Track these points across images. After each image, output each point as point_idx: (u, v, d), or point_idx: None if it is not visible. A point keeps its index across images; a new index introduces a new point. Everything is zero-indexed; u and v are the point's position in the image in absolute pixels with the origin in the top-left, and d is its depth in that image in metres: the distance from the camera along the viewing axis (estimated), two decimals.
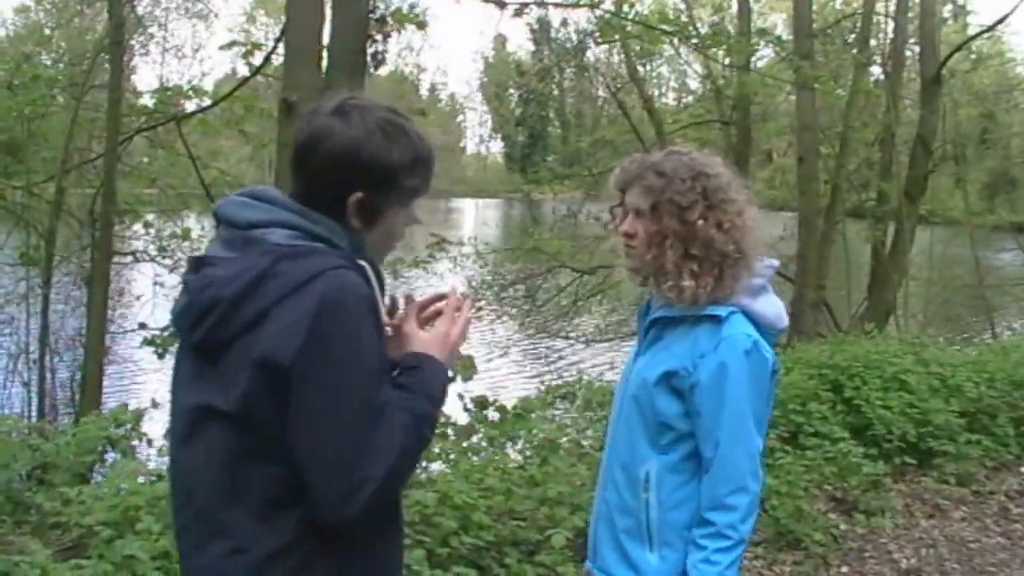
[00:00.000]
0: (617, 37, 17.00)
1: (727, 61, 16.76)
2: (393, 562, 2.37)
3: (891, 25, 19.16)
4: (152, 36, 34.19)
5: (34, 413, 12.44)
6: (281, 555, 2.11)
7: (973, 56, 22.34)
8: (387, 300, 2.41)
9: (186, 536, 2.26)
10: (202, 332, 2.13)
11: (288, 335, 2.02)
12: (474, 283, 18.61)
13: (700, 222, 2.82)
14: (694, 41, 16.59)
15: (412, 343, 2.34)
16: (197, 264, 2.21)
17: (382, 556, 2.30)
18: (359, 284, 2.12)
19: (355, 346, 2.06)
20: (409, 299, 2.48)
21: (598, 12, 13.21)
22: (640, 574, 2.91)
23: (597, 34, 16.85)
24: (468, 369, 10.37)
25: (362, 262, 2.19)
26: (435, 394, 2.23)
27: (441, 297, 2.49)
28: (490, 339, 18.58)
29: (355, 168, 2.18)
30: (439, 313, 2.45)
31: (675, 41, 16.79)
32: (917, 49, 18.04)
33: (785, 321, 3.04)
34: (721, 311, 2.82)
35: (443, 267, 16.58)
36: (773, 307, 2.97)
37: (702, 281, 2.81)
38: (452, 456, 6.66)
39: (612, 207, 3.06)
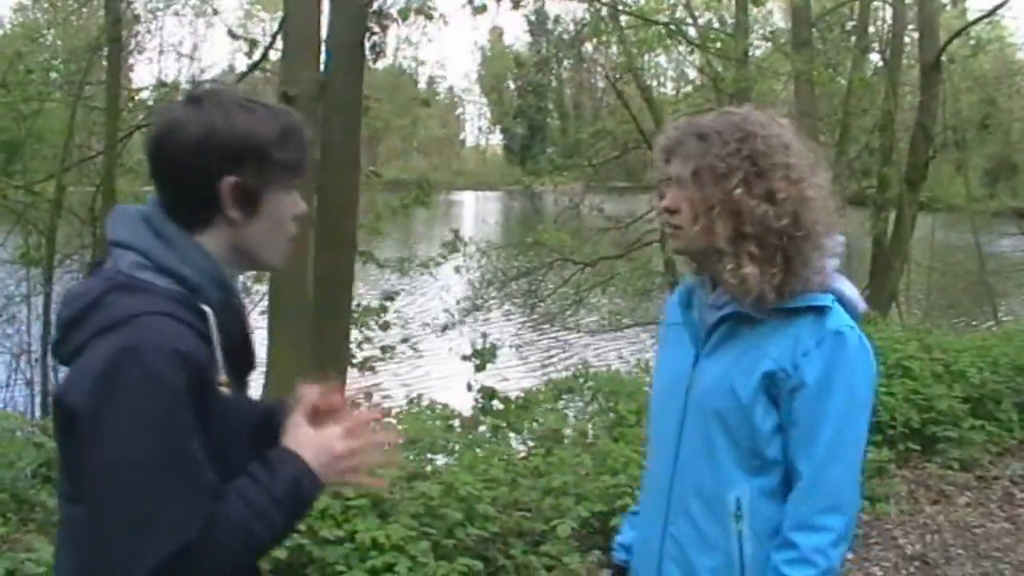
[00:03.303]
0: (609, 37, 17.05)
1: (725, 55, 16.73)
2: None
3: (890, 11, 19.14)
4: (149, 33, 34.16)
5: (37, 411, 12.46)
6: None
7: (973, 41, 22.22)
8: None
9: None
10: (56, 350, 1.96)
11: (81, 378, 1.79)
12: (477, 283, 18.61)
13: (739, 191, 2.38)
14: (693, 41, 16.65)
15: (290, 434, 2.01)
16: (89, 270, 2.04)
17: None
18: (172, 336, 1.81)
19: (143, 406, 1.76)
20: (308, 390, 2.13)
21: (595, 5, 13.23)
22: None
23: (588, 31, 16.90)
24: (489, 356, 10.45)
25: (205, 307, 1.90)
26: (281, 495, 1.89)
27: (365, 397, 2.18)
28: (495, 333, 18.61)
29: (218, 150, 1.90)
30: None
31: (670, 37, 16.81)
32: (916, 35, 17.97)
33: (863, 304, 2.59)
34: (824, 300, 2.40)
35: (447, 268, 16.58)
36: (852, 289, 2.53)
37: (767, 269, 2.36)
38: (457, 448, 6.67)
39: (659, 182, 2.56)
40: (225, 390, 1.90)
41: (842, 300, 2.45)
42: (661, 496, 2.57)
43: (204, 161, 1.90)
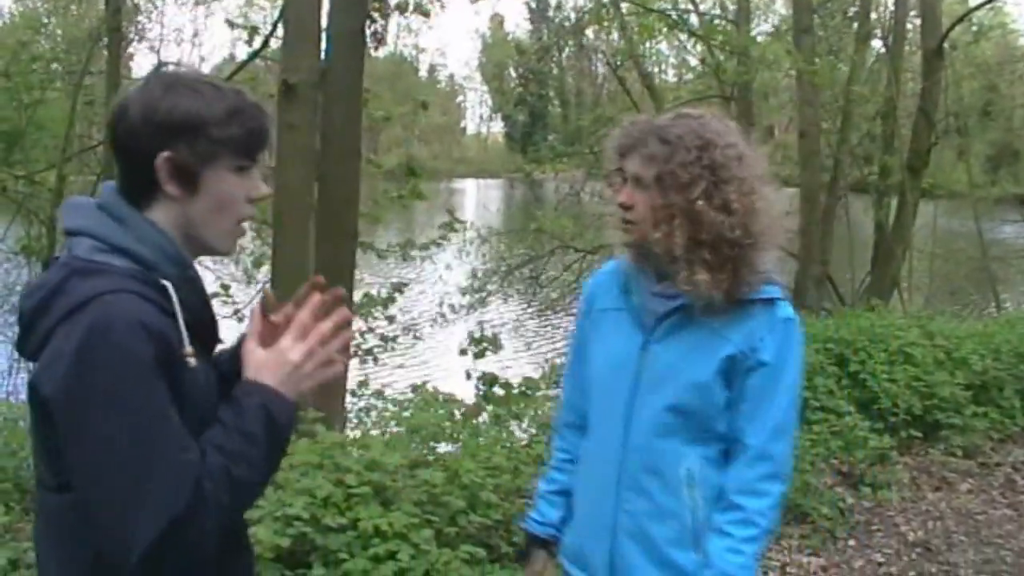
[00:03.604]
0: (610, 24, 17.00)
1: (726, 48, 16.71)
2: None
3: None
4: (149, 22, 34.12)
5: None
6: None
7: (975, 28, 22.16)
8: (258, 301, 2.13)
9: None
10: (20, 344, 1.97)
11: (52, 365, 1.81)
12: (480, 272, 18.60)
13: (701, 202, 2.53)
14: (695, 32, 16.61)
15: (245, 366, 2.00)
16: (44, 267, 2.02)
17: None
18: (135, 310, 1.82)
19: (117, 385, 1.77)
20: (259, 304, 2.13)
21: None
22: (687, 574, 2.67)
23: (589, 19, 16.86)
24: (492, 344, 10.44)
25: (165, 282, 1.92)
26: (253, 430, 1.89)
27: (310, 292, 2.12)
28: (496, 320, 18.59)
29: (153, 126, 1.91)
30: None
31: (671, 28, 16.78)
32: (918, 22, 17.93)
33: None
34: (774, 292, 2.64)
35: (448, 256, 16.57)
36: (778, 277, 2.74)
37: (718, 277, 2.54)
38: (459, 436, 6.67)
39: (610, 172, 2.75)
40: (192, 360, 1.91)
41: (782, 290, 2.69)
42: (609, 475, 2.72)
43: (144, 138, 1.92)
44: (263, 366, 1.99)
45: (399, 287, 12.12)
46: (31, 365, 1.95)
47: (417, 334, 11.65)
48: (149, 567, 1.76)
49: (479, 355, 10.39)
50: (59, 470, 1.88)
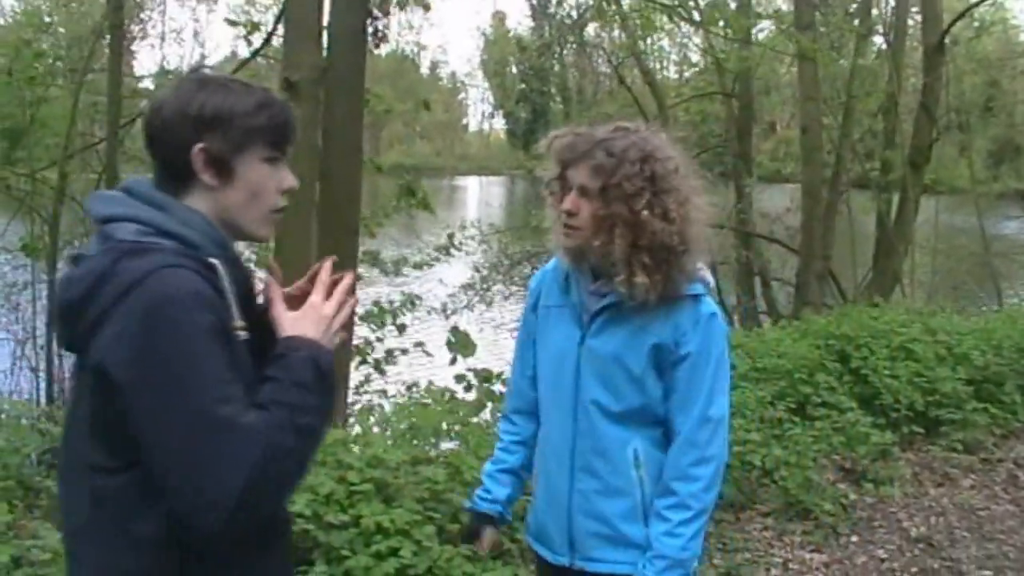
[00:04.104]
0: (611, 20, 16.95)
1: (728, 34, 16.66)
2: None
3: None
4: (151, 19, 34.15)
5: (43, 398, 12.48)
6: (142, 573, 1.98)
7: (976, 23, 22.18)
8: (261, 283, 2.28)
9: (68, 555, 2.15)
10: (64, 335, 2.05)
11: (117, 342, 1.89)
12: (481, 268, 18.60)
13: (645, 212, 2.74)
14: (695, 19, 16.56)
15: (280, 327, 2.11)
16: (71, 262, 2.10)
17: (261, 570, 2.13)
18: (192, 281, 1.93)
19: (185, 352, 1.87)
20: (270, 276, 2.26)
21: None
22: (641, 548, 2.88)
23: (591, 15, 16.83)
24: (467, 348, 10.37)
25: (213, 260, 2.03)
26: (305, 380, 2.00)
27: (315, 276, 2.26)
28: (497, 317, 18.57)
29: (187, 120, 2.04)
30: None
31: (673, 17, 16.73)
32: (919, 17, 17.92)
33: (712, 280, 3.03)
34: (697, 289, 2.85)
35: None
36: (706, 271, 2.94)
37: (654, 279, 2.75)
38: (461, 432, 6.67)
39: (549, 180, 2.99)
40: (242, 334, 2.01)
41: (706, 285, 2.89)
42: (563, 458, 2.97)
43: (179, 132, 2.04)
44: (299, 322, 2.11)
45: (411, 299, 12.08)
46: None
47: (426, 349, 11.55)
48: (234, 527, 1.87)
49: (466, 355, 10.31)
50: (120, 451, 1.95)
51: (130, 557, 1.98)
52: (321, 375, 2.04)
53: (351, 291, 2.22)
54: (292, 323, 2.11)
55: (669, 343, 2.80)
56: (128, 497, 1.96)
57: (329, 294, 2.18)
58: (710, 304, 2.86)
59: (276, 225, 2.23)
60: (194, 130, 2.04)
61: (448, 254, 14.62)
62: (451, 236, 15.02)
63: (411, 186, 11.89)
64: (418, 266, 14.33)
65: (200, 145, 2.04)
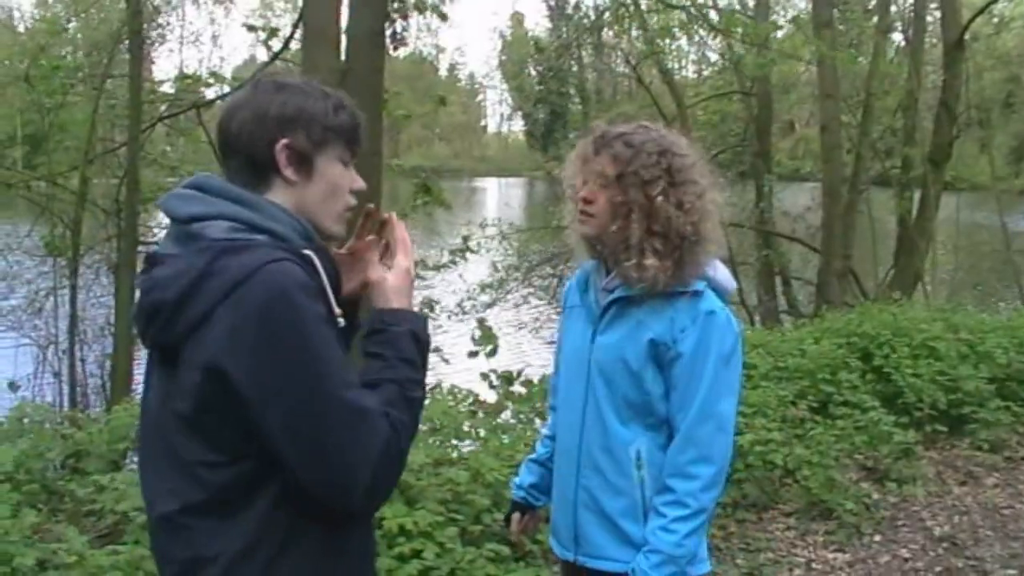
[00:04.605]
0: (629, 22, 16.93)
1: (746, 40, 16.65)
2: (367, 560, 2.30)
3: None
4: (169, 24, 34.25)
5: (65, 402, 12.55)
6: (244, 558, 2.03)
7: (996, 19, 22.11)
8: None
9: (155, 544, 2.19)
10: (153, 335, 2.06)
11: (232, 341, 1.93)
12: (500, 266, 18.60)
13: (660, 198, 2.81)
14: (715, 26, 16.54)
15: (379, 293, 2.24)
16: (149, 262, 2.12)
17: (356, 553, 2.21)
18: (298, 274, 1.99)
19: (308, 344, 1.95)
20: (367, 217, 2.41)
21: None
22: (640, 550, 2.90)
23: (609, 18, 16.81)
24: (490, 340, 10.38)
25: (308, 252, 2.08)
26: (410, 355, 2.14)
27: (370, 223, 2.41)
28: (517, 318, 18.57)
29: (270, 118, 2.12)
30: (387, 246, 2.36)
31: (689, 24, 16.73)
32: (939, 14, 17.86)
33: (733, 284, 3.07)
34: (698, 285, 2.86)
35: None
36: (724, 272, 2.97)
37: (665, 263, 2.80)
38: (482, 434, 6.67)
39: (569, 177, 3.02)
40: (341, 321, 2.09)
41: (714, 284, 2.90)
42: (572, 454, 3.02)
43: (262, 128, 2.11)
44: (394, 291, 2.23)
45: (430, 303, 12.09)
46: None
47: (444, 357, 11.55)
48: (371, 502, 2.06)
49: (490, 354, 10.32)
50: (227, 446, 2.00)
51: (231, 545, 2.03)
52: (421, 348, 2.17)
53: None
54: (390, 291, 2.22)
55: (667, 339, 2.82)
56: (237, 488, 2.02)
57: (403, 246, 2.30)
58: (712, 301, 2.87)
59: (346, 224, 2.30)
60: (277, 128, 2.11)
61: (463, 257, 14.65)
62: (466, 239, 15.03)
63: (427, 183, 11.93)
64: (436, 268, 14.37)
65: (284, 141, 2.11)
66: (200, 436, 2.01)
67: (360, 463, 1.95)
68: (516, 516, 3.39)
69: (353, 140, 2.23)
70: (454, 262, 14.74)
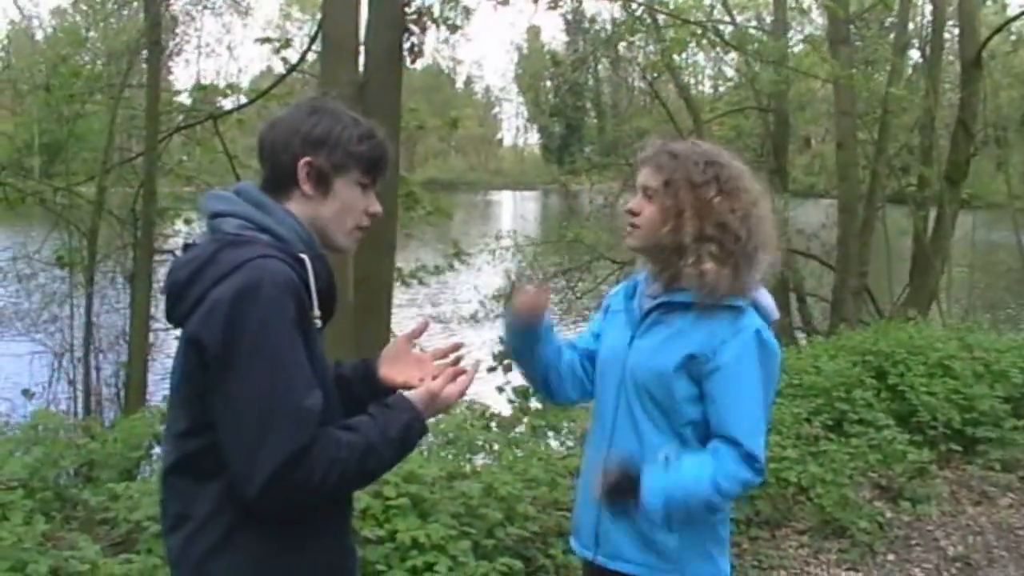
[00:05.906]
0: (645, 36, 16.93)
1: (761, 57, 16.66)
2: (340, 537, 2.48)
3: (929, 7, 18.99)
4: (186, 35, 34.39)
5: (80, 410, 12.57)
6: (210, 520, 2.25)
7: (1013, 37, 22.05)
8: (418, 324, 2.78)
9: (163, 515, 2.43)
10: (168, 310, 2.33)
11: (210, 316, 2.16)
12: (513, 277, 18.62)
13: (717, 198, 2.85)
14: (729, 43, 16.54)
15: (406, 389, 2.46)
16: (184, 248, 2.40)
17: (327, 527, 2.40)
18: (280, 272, 2.20)
19: (264, 332, 2.14)
20: (421, 328, 2.77)
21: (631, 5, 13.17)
22: (663, 556, 2.92)
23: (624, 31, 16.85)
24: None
25: (303, 255, 2.30)
26: (393, 437, 2.29)
27: (455, 348, 2.69)
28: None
29: (299, 136, 2.36)
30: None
31: (705, 41, 16.74)
32: (956, 31, 17.83)
33: (777, 313, 3.06)
34: (740, 302, 2.87)
35: (481, 260, 16.60)
36: (769, 299, 3.00)
37: (723, 270, 2.82)
38: (496, 448, 6.67)
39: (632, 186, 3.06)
40: (318, 323, 2.31)
41: (758, 306, 2.92)
42: (601, 451, 3.01)
43: (290, 144, 2.37)
44: (419, 395, 2.40)
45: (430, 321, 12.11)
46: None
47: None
48: (265, 501, 2.13)
49: (509, 368, 10.32)
50: (199, 416, 2.23)
51: (202, 509, 2.26)
52: (406, 442, 2.34)
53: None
54: (419, 396, 2.40)
55: (705, 351, 2.83)
56: (203, 459, 2.23)
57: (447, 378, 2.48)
58: (754, 319, 2.88)
59: (357, 242, 2.54)
60: (303, 146, 2.36)
61: (452, 268, 14.74)
62: (456, 243, 15.08)
63: (416, 197, 11.98)
64: (438, 271, 14.43)
65: (307, 159, 2.35)
66: (180, 405, 2.29)
67: (264, 458, 2.10)
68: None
69: (374, 169, 2.44)
70: (450, 266, 14.74)
